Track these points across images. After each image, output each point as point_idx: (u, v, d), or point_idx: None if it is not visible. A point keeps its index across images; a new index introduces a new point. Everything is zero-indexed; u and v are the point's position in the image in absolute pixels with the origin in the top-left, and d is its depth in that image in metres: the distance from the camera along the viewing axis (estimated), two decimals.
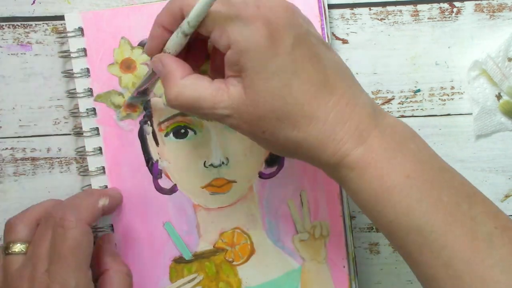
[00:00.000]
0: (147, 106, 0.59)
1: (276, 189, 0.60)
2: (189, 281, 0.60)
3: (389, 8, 0.59)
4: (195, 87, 0.47)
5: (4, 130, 0.62)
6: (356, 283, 0.60)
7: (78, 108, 0.60)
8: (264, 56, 0.44)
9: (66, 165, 0.62)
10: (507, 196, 0.61)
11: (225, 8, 0.45)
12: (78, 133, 0.61)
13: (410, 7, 0.59)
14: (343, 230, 0.60)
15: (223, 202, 0.60)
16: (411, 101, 0.60)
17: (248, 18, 0.44)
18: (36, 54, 0.61)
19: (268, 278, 0.60)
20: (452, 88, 0.60)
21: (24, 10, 0.60)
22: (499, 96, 0.59)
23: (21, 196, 0.62)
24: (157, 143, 0.60)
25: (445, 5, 0.59)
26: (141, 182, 0.60)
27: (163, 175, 0.60)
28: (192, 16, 0.45)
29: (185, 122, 0.59)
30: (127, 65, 0.59)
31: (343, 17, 0.60)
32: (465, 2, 0.59)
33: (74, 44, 0.59)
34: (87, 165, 0.60)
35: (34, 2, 0.60)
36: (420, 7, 0.59)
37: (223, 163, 0.60)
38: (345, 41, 0.60)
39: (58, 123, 0.61)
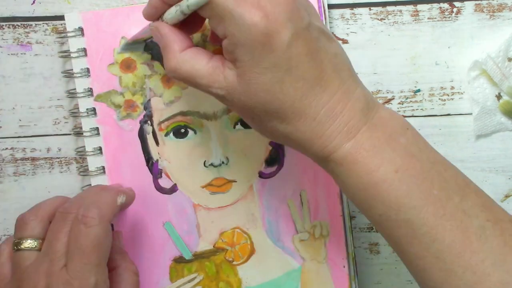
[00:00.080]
0: (147, 106, 0.59)
1: (276, 189, 0.60)
2: (189, 281, 0.60)
3: (389, 8, 0.59)
4: (193, 62, 0.47)
5: (4, 130, 0.62)
6: (356, 283, 0.60)
7: (78, 108, 0.60)
8: (259, 52, 0.44)
9: (66, 165, 0.62)
10: (507, 196, 0.61)
11: None
12: (78, 133, 0.61)
13: (410, 7, 0.59)
14: (343, 230, 0.60)
15: (223, 202, 0.60)
16: (411, 101, 0.60)
17: (247, 11, 0.43)
18: (36, 54, 0.61)
19: (268, 278, 0.60)
20: (452, 88, 0.60)
21: (24, 10, 0.60)
22: (499, 96, 0.59)
23: (21, 196, 0.62)
24: (157, 143, 0.60)
25: (445, 5, 0.59)
26: (141, 181, 0.60)
27: (163, 174, 0.60)
28: (193, 1, 0.45)
29: (185, 122, 0.59)
30: (127, 65, 0.59)
31: (343, 17, 0.60)
32: (465, 2, 0.59)
33: (74, 44, 0.59)
34: (87, 165, 0.60)
35: (34, 2, 0.60)
36: (420, 7, 0.59)
37: (223, 162, 0.60)
38: (345, 41, 0.60)
39: (58, 123, 0.61)
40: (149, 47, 0.58)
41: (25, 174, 0.62)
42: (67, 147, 0.62)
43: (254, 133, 0.55)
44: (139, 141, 0.60)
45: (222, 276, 0.60)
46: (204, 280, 0.60)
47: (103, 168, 0.60)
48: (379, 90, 0.60)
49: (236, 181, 0.60)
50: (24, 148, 0.62)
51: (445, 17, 0.59)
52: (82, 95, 0.59)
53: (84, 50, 0.59)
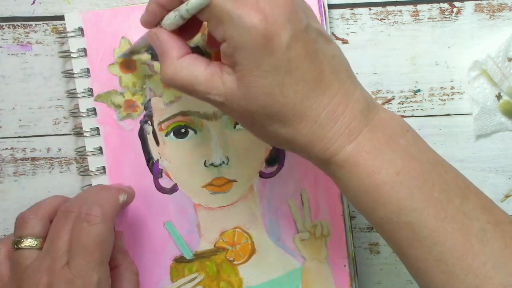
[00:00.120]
0: (147, 106, 0.59)
1: (277, 188, 0.60)
2: (190, 281, 0.60)
3: (389, 8, 0.59)
4: (191, 69, 0.47)
5: (4, 130, 0.62)
6: (356, 283, 0.60)
7: (78, 108, 0.60)
8: (258, 55, 0.44)
9: (66, 165, 0.62)
10: (507, 196, 0.61)
11: (224, 1, 0.44)
12: (78, 133, 0.61)
13: (410, 7, 0.59)
14: (343, 230, 0.60)
15: (223, 202, 0.60)
16: (411, 101, 0.60)
17: (246, 13, 0.43)
18: (36, 54, 0.61)
19: (269, 277, 0.60)
20: (452, 88, 0.60)
21: (24, 10, 0.60)
22: (499, 96, 0.59)
23: (21, 196, 0.62)
24: (157, 143, 0.60)
25: (445, 5, 0.59)
26: (141, 181, 0.60)
27: (163, 174, 0.60)
28: (192, 5, 0.45)
29: (185, 122, 0.59)
30: (127, 65, 0.59)
31: (343, 17, 0.60)
32: (465, 2, 0.59)
33: (74, 44, 0.59)
34: (87, 165, 0.60)
35: (34, 2, 0.60)
36: (420, 7, 0.59)
37: (223, 162, 0.60)
38: (345, 41, 0.60)
39: (58, 123, 0.61)
40: (149, 47, 0.58)
41: (25, 174, 0.62)
42: (67, 147, 0.62)
43: None
44: (139, 141, 0.60)
45: (223, 276, 0.60)
46: (205, 280, 0.61)
47: (104, 168, 0.60)
48: (379, 90, 0.60)
49: (236, 181, 0.60)
50: (24, 148, 0.62)
51: (445, 17, 0.59)
52: (82, 95, 0.59)
53: (84, 50, 0.59)
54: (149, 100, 0.59)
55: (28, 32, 0.60)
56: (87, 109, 0.60)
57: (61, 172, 0.62)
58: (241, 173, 0.60)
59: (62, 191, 0.62)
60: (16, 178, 0.62)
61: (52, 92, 0.61)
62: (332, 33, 0.60)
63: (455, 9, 0.59)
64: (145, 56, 0.59)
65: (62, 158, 0.62)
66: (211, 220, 0.60)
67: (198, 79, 0.47)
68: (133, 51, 0.58)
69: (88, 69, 0.59)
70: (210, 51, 0.58)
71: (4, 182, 0.62)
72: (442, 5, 0.59)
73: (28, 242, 0.53)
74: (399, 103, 0.60)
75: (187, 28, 0.50)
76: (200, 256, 0.61)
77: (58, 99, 0.61)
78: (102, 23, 0.59)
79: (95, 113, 0.59)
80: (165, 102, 0.59)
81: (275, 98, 0.45)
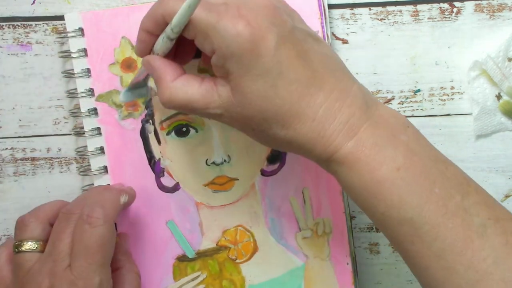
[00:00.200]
0: (148, 105, 0.59)
1: (278, 187, 0.60)
2: (192, 279, 0.61)
3: (389, 8, 0.60)
4: (185, 89, 0.48)
5: (4, 130, 0.61)
6: (356, 283, 0.61)
7: (78, 108, 0.60)
8: (248, 60, 0.44)
9: (66, 165, 0.62)
10: (507, 196, 0.62)
11: (206, 14, 0.45)
12: (78, 133, 0.61)
13: (410, 7, 0.60)
14: (346, 227, 0.60)
15: (225, 200, 0.61)
16: (411, 101, 0.61)
17: (229, 22, 0.44)
18: (36, 54, 0.60)
19: (272, 276, 0.61)
20: (452, 88, 0.61)
21: (24, 10, 0.60)
22: (499, 96, 0.59)
23: (21, 196, 0.62)
24: (159, 142, 0.60)
25: (445, 5, 0.59)
26: (143, 180, 0.60)
27: (165, 173, 0.60)
28: (175, 23, 0.46)
29: (187, 121, 0.59)
30: (128, 65, 0.59)
31: (343, 17, 0.60)
32: (465, 2, 0.59)
33: (74, 44, 0.59)
34: (87, 165, 0.61)
35: (34, 2, 0.60)
36: (420, 7, 0.59)
37: (225, 161, 0.60)
38: (345, 41, 0.60)
39: (58, 123, 0.61)
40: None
41: (25, 174, 0.62)
42: (67, 147, 0.62)
43: None
44: (141, 140, 0.60)
45: (225, 274, 0.61)
46: (208, 279, 0.61)
47: (105, 167, 0.60)
48: (379, 90, 0.61)
49: (238, 179, 0.60)
50: (24, 148, 0.62)
51: (445, 17, 0.60)
52: (83, 95, 0.59)
53: (85, 50, 0.59)
54: (150, 99, 0.59)
55: (28, 32, 0.60)
56: (88, 109, 0.60)
57: (61, 172, 0.62)
58: (243, 171, 0.60)
59: (62, 191, 0.62)
60: (16, 178, 0.62)
61: (52, 92, 0.61)
62: (332, 33, 0.60)
63: (455, 9, 0.59)
64: None
65: (62, 158, 0.62)
66: (213, 219, 0.61)
67: (194, 97, 0.48)
68: (135, 86, 0.58)
69: (88, 69, 0.59)
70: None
71: (4, 182, 0.62)
72: (442, 5, 0.59)
73: (29, 245, 0.53)
74: (399, 103, 0.61)
75: (180, 53, 0.52)
76: (202, 255, 0.61)
77: (58, 99, 0.61)
78: (102, 23, 0.59)
79: (96, 113, 0.59)
80: None
81: (271, 101, 0.46)
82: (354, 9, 0.60)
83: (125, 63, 0.59)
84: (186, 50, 0.53)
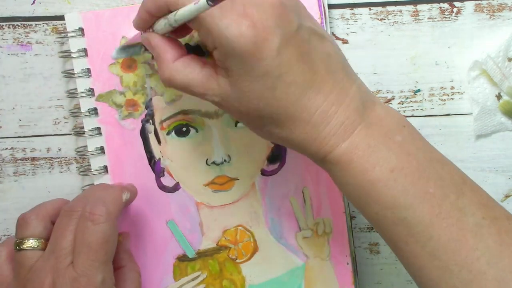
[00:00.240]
0: (148, 105, 0.59)
1: (278, 186, 0.61)
2: (192, 279, 0.61)
3: (389, 8, 0.60)
4: (186, 72, 0.48)
5: (4, 130, 0.61)
6: (356, 283, 0.61)
7: (78, 108, 0.60)
8: (248, 62, 0.44)
9: (66, 165, 0.62)
10: (507, 196, 0.62)
11: (212, 10, 0.44)
12: (78, 133, 0.61)
13: (410, 7, 0.59)
14: (346, 227, 0.60)
15: (225, 200, 0.61)
16: (411, 101, 0.61)
17: (233, 22, 0.44)
18: (36, 54, 0.60)
19: (272, 275, 0.61)
20: (452, 88, 0.61)
21: (24, 10, 0.60)
22: (499, 96, 0.59)
23: (21, 196, 0.62)
24: (159, 142, 0.60)
25: (445, 5, 0.59)
26: (143, 180, 0.60)
27: (165, 173, 0.60)
28: (179, 18, 0.46)
29: (187, 121, 0.59)
30: (128, 65, 0.59)
31: (343, 17, 0.60)
32: (465, 2, 0.59)
33: (74, 44, 0.59)
34: (87, 165, 0.61)
35: (34, 2, 0.60)
36: (420, 7, 0.59)
37: (225, 160, 0.60)
38: (345, 41, 0.60)
39: (58, 123, 0.61)
40: None
41: (25, 174, 0.62)
42: (67, 147, 0.62)
43: None
44: (141, 140, 0.60)
45: (226, 274, 0.61)
46: (208, 278, 0.61)
47: (105, 167, 0.60)
48: (379, 90, 0.61)
49: (238, 179, 0.60)
50: (24, 148, 0.62)
51: (445, 17, 0.60)
52: (83, 95, 0.59)
53: (85, 50, 0.59)
54: (151, 99, 0.59)
55: (28, 32, 0.60)
56: (88, 109, 0.60)
57: (61, 172, 0.62)
58: (243, 171, 0.60)
59: (62, 191, 0.62)
60: (16, 178, 0.62)
61: (52, 92, 0.61)
62: (332, 33, 0.60)
63: (455, 9, 0.59)
64: (146, 55, 0.59)
65: (62, 158, 0.62)
66: (213, 219, 0.61)
67: (194, 81, 0.48)
68: (130, 46, 0.58)
69: (88, 69, 0.59)
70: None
71: (4, 182, 0.62)
72: (442, 5, 0.59)
73: (30, 243, 0.53)
74: (399, 103, 0.61)
75: (180, 28, 0.51)
76: (202, 255, 0.61)
77: (58, 99, 0.61)
78: (102, 23, 0.59)
79: (97, 113, 0.59)
80: (167, 101, 0.59)
81: (267, 102, 0.46)
82: (354, 9, 0.60)
83: (125, 63, 0.59)
84: (186, 26, 0.52)
